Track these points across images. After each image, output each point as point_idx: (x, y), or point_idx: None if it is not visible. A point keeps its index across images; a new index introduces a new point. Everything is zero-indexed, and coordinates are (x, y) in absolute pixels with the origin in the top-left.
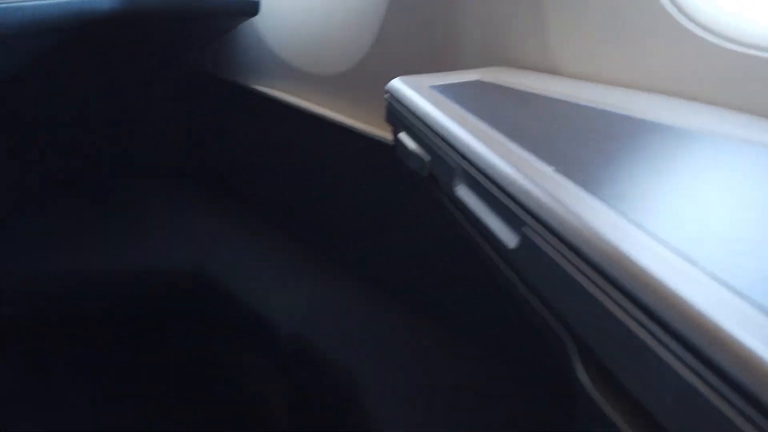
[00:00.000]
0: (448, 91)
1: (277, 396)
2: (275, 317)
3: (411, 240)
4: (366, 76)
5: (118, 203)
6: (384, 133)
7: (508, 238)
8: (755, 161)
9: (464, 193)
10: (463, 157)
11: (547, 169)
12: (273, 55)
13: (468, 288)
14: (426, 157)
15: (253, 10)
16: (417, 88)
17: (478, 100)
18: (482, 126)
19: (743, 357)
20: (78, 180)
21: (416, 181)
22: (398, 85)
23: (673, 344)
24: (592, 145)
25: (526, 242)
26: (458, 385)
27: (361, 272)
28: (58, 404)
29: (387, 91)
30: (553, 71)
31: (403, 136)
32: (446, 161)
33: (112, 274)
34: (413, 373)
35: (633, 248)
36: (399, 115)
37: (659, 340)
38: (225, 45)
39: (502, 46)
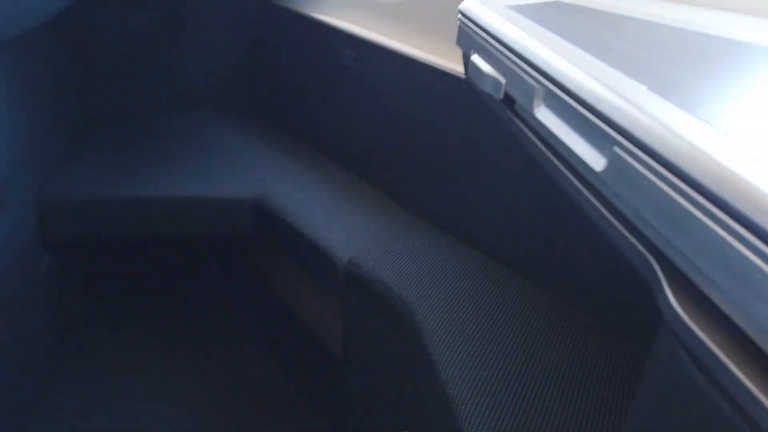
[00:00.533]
0: (525, 10)
1: (332, 319)
2: (331, 246)
3: (471, 173)
4: (429, 3)
5: (179, 135)
6: (447, 62)
7: (596, 160)
8: None
9: (545, 115)
10: (546, 76)
11: (640, 88)
12: None
13: (533, 220)
14: (502, 79)
15: None
16: (491, 8)
17: (558, 20)
18: (565, 44)
19: None
20: (141, 112)
21: (489, 106)
22: (472, 5)
23: None
24: (683, 64)
25: (616, 163)
26: (512, 319)
27: (418, 206)
28: (121, 322)
29: (459, 12)
30: None
31: (477, 59)
32: (526, 82)
33: (174, 202)
34: (466, 304)
35: (739, 167)
36: (472, 36)
37: None
38: None
39: None
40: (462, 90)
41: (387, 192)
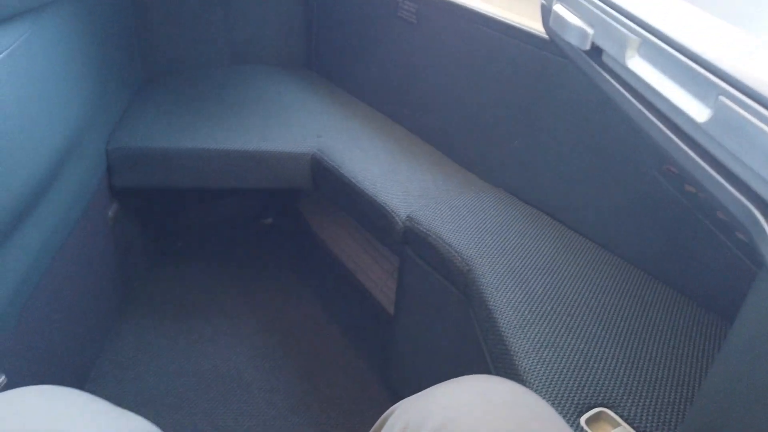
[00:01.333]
0: None
1: (384, 275)
2: (389, 201)
3: (535, 133)
4: None
5: (239, 88)
6: (512, 16)
7: (698, 111)
8: None
9: (638, 65)
10: (642, 25)
11: (744, 36)
12: None
13: (598, 183)
14: (589, 29)
15: None
16: None
17: None
18: None
19: None
20: (201, 65)
21: (559, 63)
22: None
23: None
24: None
25: (721, 113)
26: (575, 277)
27: (476, 164)
28: (181, 270)
29: None
30: None
31: (560, 9)
32: (618, 31)
33: (233, 155)
34: (526, 261)
35: None
36: None
37: None
38: None
39: None
40: (530, 47)
41: (444, 149)
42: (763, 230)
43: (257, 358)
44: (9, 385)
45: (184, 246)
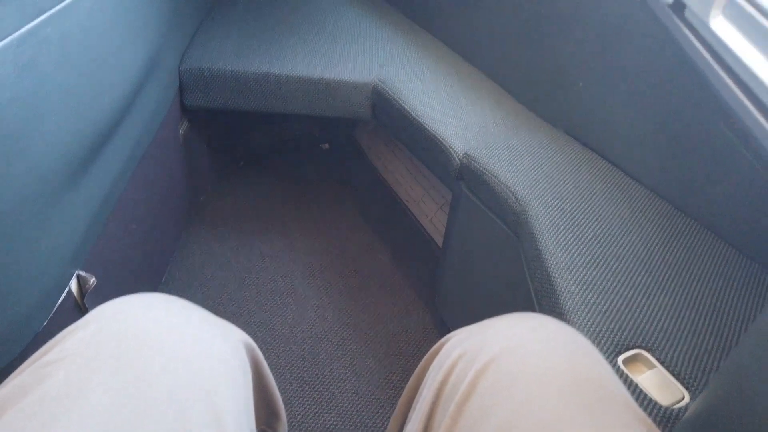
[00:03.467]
0: None
1: (436, 208)
2: (447, 137)
3: (603, 80)
4: None
5: (305, 13)
6: None
7: None
8: None
9: (722, 26)
10: None
11: None
12: None
13: (665, 137)
14: None
15: None
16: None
17: None
18: None
19: None
20: None
21: (650, 10)
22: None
23: None
24: None
25: None
26: (627, 224)
27: (540, 104)
28: (243, 186)
29: None
30: None
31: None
32: None
33: (297, 81)
34: (581, 206)
35: None
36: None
37: None
38: None
39: None
40: None
41: (507, 86)
42: None
43: (311, 276)
44: (98, 287)
45: (246, 164)
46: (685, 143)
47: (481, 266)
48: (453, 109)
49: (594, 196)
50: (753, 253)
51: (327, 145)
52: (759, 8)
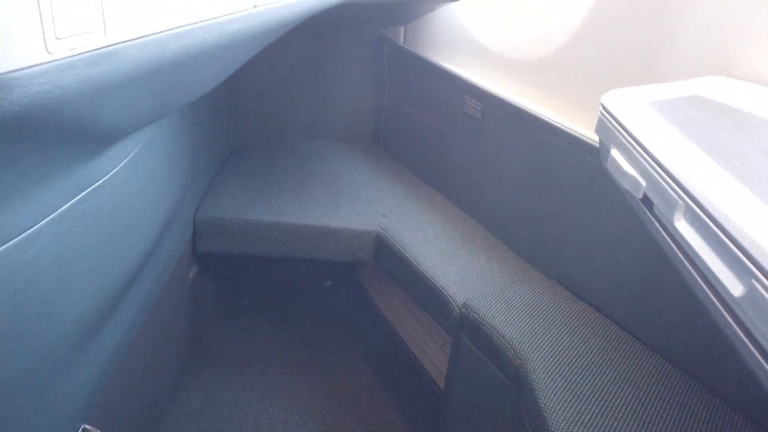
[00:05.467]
0: (665, 109)
1: (438, 351)
2: (446, 286)
3: (591, 235)
4: (560, 66)
5: (312, 165)
6: (579, 127)
7: (734, 285)
8: None
9: (685, 228)
10: (686, 192)
11: None
12: (464, 33)
13: (648, 285)
14: (642, 181)
15: None
16: (631, 106)
17: (698, 124)
18: (706, 158)
19: None
20: (280, 141)
21: (624, 195)
22: (614, 99)
23: None
24: None
25: (753, 294)
26: (620, 379)
27: (533, 256)
28: (246, 328)
29: (601, 104)
30: None
31: (617, 155)
32: (667, 192)
33: (304, 229)
34: (576, 360)
35: None
36: (612, 131)
37: None
38: (419, 22)
39: (725, 55)
40: (589, 156)
41: (502, 237)
42: None
43: (311, 419)
44: None
45: (251, 302)
46: (665, 297)
47: (483, 413)
48: (452, 259)
49: (589, 351)
50: (748, 411)
51: (329, 283)
52: (714, 221)
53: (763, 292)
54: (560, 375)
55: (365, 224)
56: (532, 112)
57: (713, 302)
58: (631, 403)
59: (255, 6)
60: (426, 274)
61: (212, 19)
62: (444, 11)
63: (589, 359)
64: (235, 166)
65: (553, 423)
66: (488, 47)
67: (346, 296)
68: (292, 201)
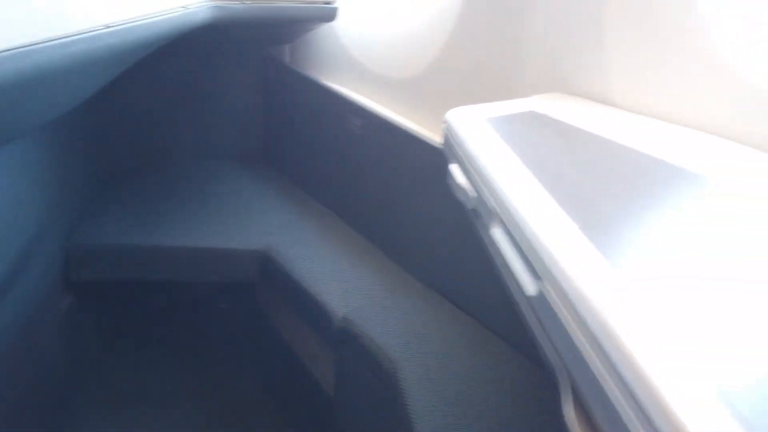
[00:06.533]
0: (500, 125)
1: (326, 369)
2: (328, 301)
3: (462, 243)
4: (430, 84)
5: (196, 186)
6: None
7: (530, 286)
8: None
9: (498, 236)
10: (500, 205)
11: (573, 228)
12: (345, 53)
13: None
14: (473, 193)
15: (331, 16)
16: (471, 123)
17: (528, 138)
18: (524, 172)
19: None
20: (162, 163)
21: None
22: (454, 117)
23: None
24: (624, 197)
25: (542, 297)
26: (486, 382)
27: (412, 266)
28: (134, 360)
29: (445, 121)
30: (607, 102)
31: (455, 168)
32: (487, 203)
33: (187, 251)
34: (446, 365)
35: (626, 331)
36: (452, 146)
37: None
38: (303, 41)
39: (561, 72)
40: None
41: (386, 251)
42: (565, 394)
43: None
44: None
45: (138, 336)
46: None
47: (369, 423)
48: (336, 274)
49: (459, 356)
50: None
51: (224, 305)
52: (518, 233)
53: (548, 297)
54: (428, 381)
55: (251, 243)
56: (404, 128)
57: (519, 299)
58: (494, 403)
59: (107, 26)
60: (309, 290)
61: (58, 39)
62: (327, 31)
63: (458, 362)
64: (114, 189)
65: (420, 427)
66: (366, 66)
67: (241, 318)
68: (175, 223)
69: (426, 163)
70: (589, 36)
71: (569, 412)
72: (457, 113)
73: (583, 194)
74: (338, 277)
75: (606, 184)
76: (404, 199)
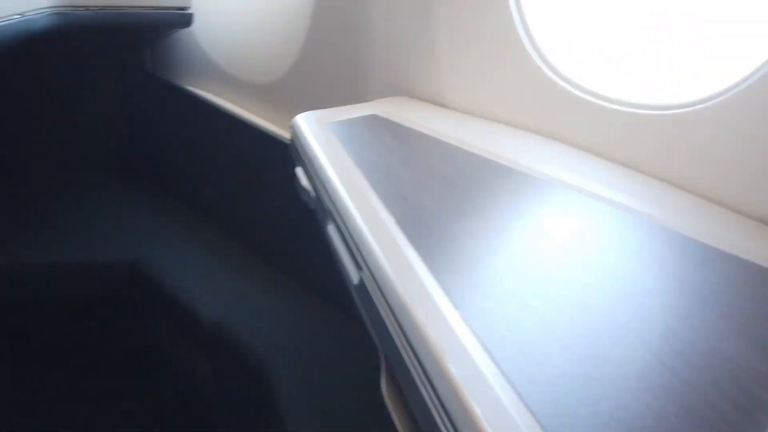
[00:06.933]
0: (342, 128)
1: (203, 377)
2: (199, 306)
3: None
4: (289, 88)
5: (59, 198)
6: None
7: (354, 275)
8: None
9: (333, 233)
10: (332, 204)
11: (390, 221)
12: (207, 59)
13: None
14: (313, 193)
15: (186, 21)
16: (315, 127)
17: (366, 141)
18: (357, 173)
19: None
20: (18, 174)
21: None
22: (299, 122)
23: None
24: (441, 190)
25: (362, 283)
26: (351, 369)
27: (278, 264)
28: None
29: (291, 126)
30: (443, 104)
31: (299, 171)
32: (323, 203)
33: (50, 267)
34: (314, 357)
35: (423, 311)
36: (297, 151)
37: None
38: (164, 47)
39: (404, 78)
40: None
41: (255, 251)
42: (381, 370)
43: None
44: None
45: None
46: None
47: (246, 424)
48: (207, 279)
49: (328, 349)
50: None
51: (95, 323)
52: (346, 227)
53: (365, 284)
54: (300, 376)
55: (119, 255)
56: (267, 130)
57: (351, 289)
58: (359, 389)
59: None
60: (180, 299)
61: None
62: (188, 36)
63: (325, 355)
64: None
65: (288, 419)
66: (228, 71)
67: (113, 333)
68: (35, 239)
69: (288, 165)
70: (424, 44)
71: (383, 387)
72: (304, 118)
73: (408, 191)
74: (211, 282)
75: (428, 179)
76: (270, 199)
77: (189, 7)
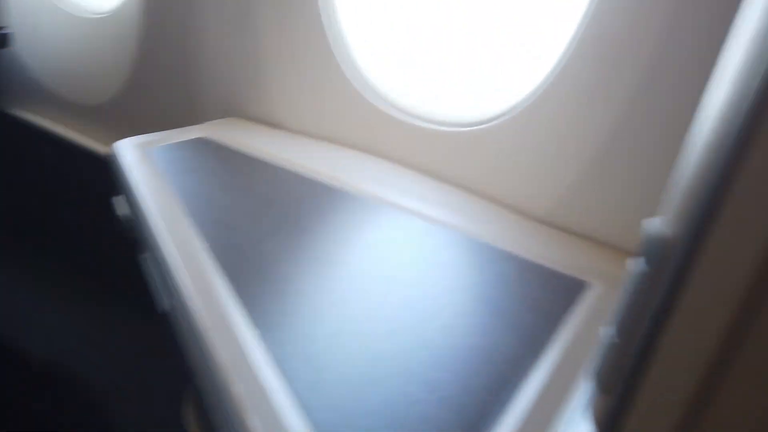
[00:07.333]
0: (165, 154)
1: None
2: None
3: None
4: (123, 109)
5: None
6: None
7: (165, 302)
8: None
9: (148, 261)
10: (148, 232)
11: (202, 248)
12: (33, 81)
13: None
14: (131, 222)
15: (3, 42)
16: (134, 154)
17: (188, 166)
18: (173, 200)
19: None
20: None
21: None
22: (118, 149)
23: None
24: (258, 212)
25: (172, 310)
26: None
27: (113, 289)
28: None
29: (110, 153)
30: (273, 124)
31: (118, 200)
32: (140, 231)
33: None
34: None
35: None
36: (117, 179)
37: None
38: None
39: (236, 100)
40: None
41: (84, 274)
42: (188, 396)
43: None
44: None
45: None
46: None
47: None
48: (34, 312)
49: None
50: None
51: None
52: (159, 257)
53: (177, 310)
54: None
55: None
56: (96, 151)
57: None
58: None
59: None
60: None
61: None
62: (11, 57)
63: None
64: None
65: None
66: (56, 92)
67: None
68: None
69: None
70: (253, 67)
71: (186, 407)
72: (124, 144)
73: (224, 214)
74: (35, 316)
75: (246, 201)
76: (101, 223)
77: (6, 28)
